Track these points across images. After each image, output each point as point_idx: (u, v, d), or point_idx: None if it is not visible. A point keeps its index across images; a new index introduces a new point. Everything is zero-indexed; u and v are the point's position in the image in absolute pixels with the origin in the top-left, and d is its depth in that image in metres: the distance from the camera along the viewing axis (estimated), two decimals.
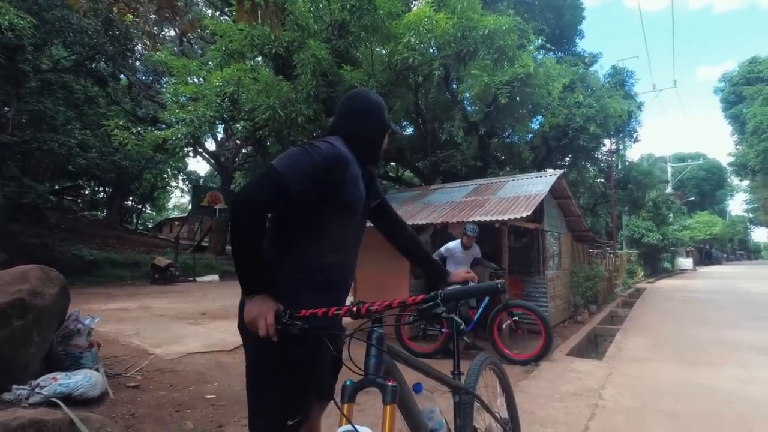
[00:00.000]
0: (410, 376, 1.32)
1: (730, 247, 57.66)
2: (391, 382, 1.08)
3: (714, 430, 2.95)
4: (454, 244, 5.35)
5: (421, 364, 1.38)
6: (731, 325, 7.21)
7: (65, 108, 13.03)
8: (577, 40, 15.63)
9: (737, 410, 3.32)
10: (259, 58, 8.35)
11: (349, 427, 1.02)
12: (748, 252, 69.82)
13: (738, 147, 30.48)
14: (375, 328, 1.16)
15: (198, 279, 14.74)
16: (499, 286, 1.21)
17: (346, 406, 1.07)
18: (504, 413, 1.91)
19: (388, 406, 1.05)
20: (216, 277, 15.46)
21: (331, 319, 1.17)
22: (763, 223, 46.11)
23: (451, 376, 1.53)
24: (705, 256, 43.04)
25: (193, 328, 6.09)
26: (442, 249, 5.39)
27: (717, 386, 3.92)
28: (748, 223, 55.40)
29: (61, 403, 2.64)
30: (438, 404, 1.50)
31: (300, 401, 1.37)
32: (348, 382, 1.11)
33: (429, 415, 1.41)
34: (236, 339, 5.26)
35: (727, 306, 9.99)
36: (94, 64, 15.40)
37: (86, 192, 25.82)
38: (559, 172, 7.31)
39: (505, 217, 5.38)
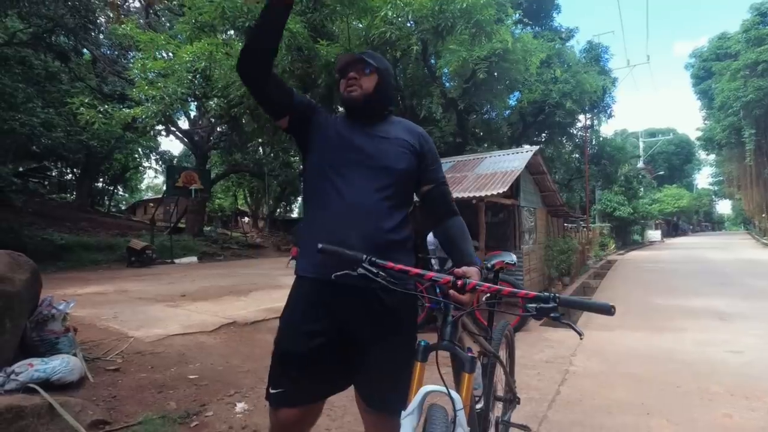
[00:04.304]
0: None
1: (696, 219, 60.32)
2: (471, 353, 1.16)
3: (673, 389, 3.17)
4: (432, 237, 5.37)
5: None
6: (694, 293, 7.62)
7: (25, 85, 12.27)
8: (554, 15, 15.66)
9: (694, 370, 3.56)
10: (232, 32, 8.02)
11: (439, 386, 1.04)
12: (713, 223, 73.22)
13: (706, 122, 31.27)
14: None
15: (176, 261, 14.49)
16: (612, 309, 1.01)
17: (419, 365, 1.11)
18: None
19: (467, 374, 1.13)
20: (194, 259, 15.24)
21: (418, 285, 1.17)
22: (727, 196, 48.11)
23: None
24: (672, 228, 44.87)
25: (172, 310, 6.03)
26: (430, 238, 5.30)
27: (678, 349, 4.19)
28: (713, 196, 57.78)
29: (38, 389, 2.61)
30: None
31: (279, 368, 1.35)
32: (423, 343, 1.14)
33: None
34: (216, 320, 5.32)
35: (690, 275, 10.52)
36: (54, 38, 14.46)
37: (53, 174, 24.75)
38: (535, 148, 7.42)
39: (483, 194, 5.48)
